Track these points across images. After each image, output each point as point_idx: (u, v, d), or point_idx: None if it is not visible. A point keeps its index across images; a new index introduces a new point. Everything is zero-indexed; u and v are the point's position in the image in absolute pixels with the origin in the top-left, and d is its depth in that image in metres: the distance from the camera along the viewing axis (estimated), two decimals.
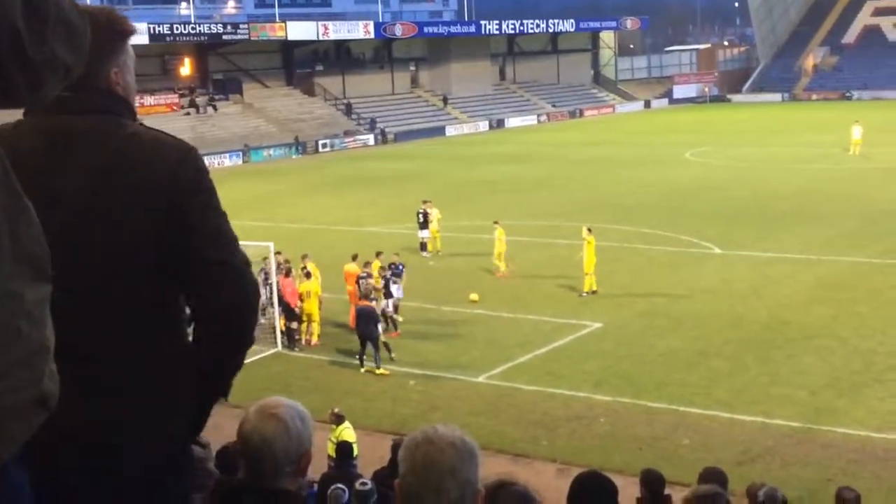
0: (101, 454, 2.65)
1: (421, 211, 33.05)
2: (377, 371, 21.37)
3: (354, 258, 25.66)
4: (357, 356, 21.88)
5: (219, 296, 2.83)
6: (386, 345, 22.39)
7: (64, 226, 2.61)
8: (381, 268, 25.12)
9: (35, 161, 2.68)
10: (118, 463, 2.67)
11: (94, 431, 2.64)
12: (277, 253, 25.20)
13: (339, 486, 9.88)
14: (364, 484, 9.73)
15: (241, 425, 2.77)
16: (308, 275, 24.40)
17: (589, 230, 27.10)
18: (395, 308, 24.87)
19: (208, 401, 2.94)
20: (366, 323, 21.66)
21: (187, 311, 2.92)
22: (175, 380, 2.80)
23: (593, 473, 5.63)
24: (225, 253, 2.86)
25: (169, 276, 2.79)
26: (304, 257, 25.38)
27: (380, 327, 21.98)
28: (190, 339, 2.92)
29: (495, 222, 30.23)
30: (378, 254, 25.77)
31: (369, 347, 21.63)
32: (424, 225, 32.87)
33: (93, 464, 2.65)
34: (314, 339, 24.10)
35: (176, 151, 2.83)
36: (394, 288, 24.95)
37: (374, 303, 23.05)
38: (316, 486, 10.80)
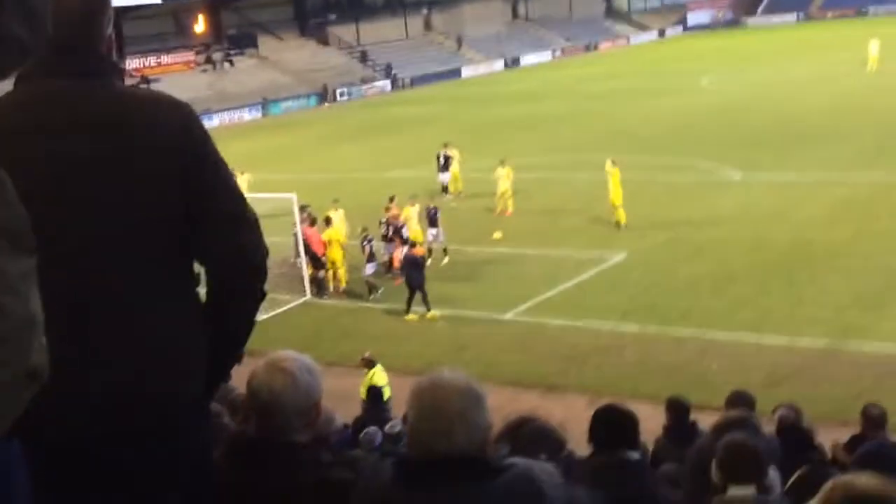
0: (117, 414, 2.62)
1: (441, 154, 32.89)
2: (428, 315, 21.19)
3: (391, 200, 25.62)
4: (406, 302, 21.61)
5: (236, 250, 2.81)
6: (374, 285, 23.02)
7: (68, 193, 2.59)
8: (419, 212, 25.36)
9: (30, 127, 2.63)
10: (133, 423, 2.63)
11: (110, 391, 2.61)
12: (304, 207, 25.26)
13: (372, 429, 9.93)
14: (394, 427, 9.77)
15: (250, 380, 2.74)
16: (327, 221, 24.36)
17: (613, 162, 26.90)
18: (432, 251, 24.99)
19: (224, 359, 2.92)
20: (411, 269, 21.51)
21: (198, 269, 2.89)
22: (190, 339, 2.77)
23: (611, 406, 5.60)
24: (241, 207, 2.85)
25: (182, 233, 2.75)
26: (334, 201, 25.43)
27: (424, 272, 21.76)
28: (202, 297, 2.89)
29: (502, 161, 30.09)
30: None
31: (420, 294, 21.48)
32: (445, 168, 32.73)
33: (108, 424, 2.62)
34: (342, 285, 24.15)
35: (175, 109, 2.80)
36: (433, 231, 25.07)
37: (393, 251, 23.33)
38: (349, 430, 10.87)
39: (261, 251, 2.87)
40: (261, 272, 2.89)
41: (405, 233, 24.09)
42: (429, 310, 21.31)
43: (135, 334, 2.66)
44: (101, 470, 2.63)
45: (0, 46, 1.64)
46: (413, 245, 22.49)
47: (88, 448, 2.61)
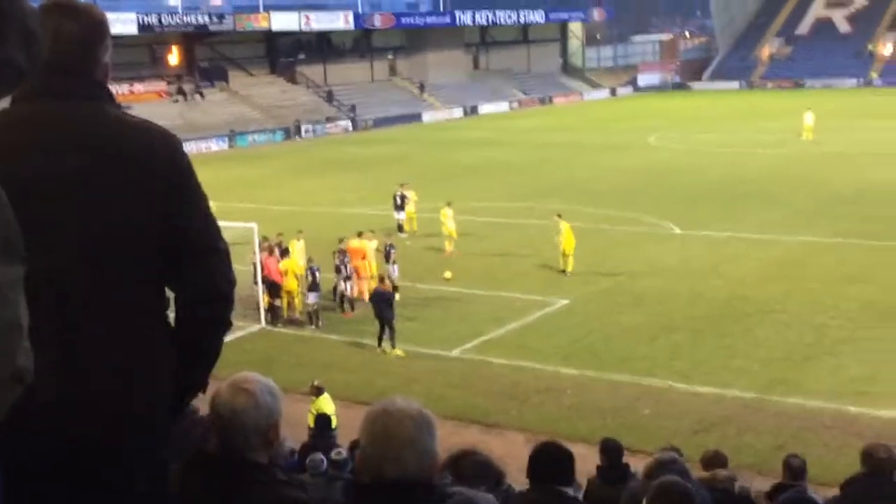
0: (78, 427, 2.61)
1: (398, 194, 32.98)
2: (395, 352, 20.94)
3: (360, 235, 25.61)
4: (377, 338, 21.31)
5: (209, 282, 2.84)
6: (316, 314, 23.07)
7: (55, 209, 2.60)
8: (377, 249, 25.47)
9: (23, 145, 2.65)
10: (94, 436, 2.63)
11: (73, 404, 2.60)
12: (279, 234, 25.59)
13: (318, 455, 9.89)
14: (339, 453, 9.74)
15: (213, 398, 2.76)
16: (285, 252, 24.33)
17: (559, 216, 27.21)
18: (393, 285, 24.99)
19: (189, 385, 2.92)
20: (382, 305, 21.20)
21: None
22: (160, 361, 2.77)
23: (550, 443, 5.65)
24: (215, 240, 2.88)
25: (158, 258, 2.77)
26: (298, 232, 25.48)
27: (395, 310, 21.45)
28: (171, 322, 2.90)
29: (448, 203, 30.28)
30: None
31: (387, 329, 21.26)
32: (401, 207, 32.81)
33: (70, 440, 2.62)
34: (296, 314, 24.08)
35: (165, 138, 2.82)
36: (392, 269, 25.07)
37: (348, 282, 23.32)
38: (296, 456, 10.81)
39: (229, 282, 2.90)
40: (228, 302, 2.92)
41: (349, 269, 24.14)
42: (393, 347, 21.10)
43: (103, 351, 2.66)
44: (60, 480, 2.62)
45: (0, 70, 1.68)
46: (382, 280, 22.36)
47: (51, 459, 2.60)
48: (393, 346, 21.05)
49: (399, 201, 32.83)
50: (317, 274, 23.51)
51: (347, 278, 24.32)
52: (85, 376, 2.62)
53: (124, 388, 2.68)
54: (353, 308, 24.27)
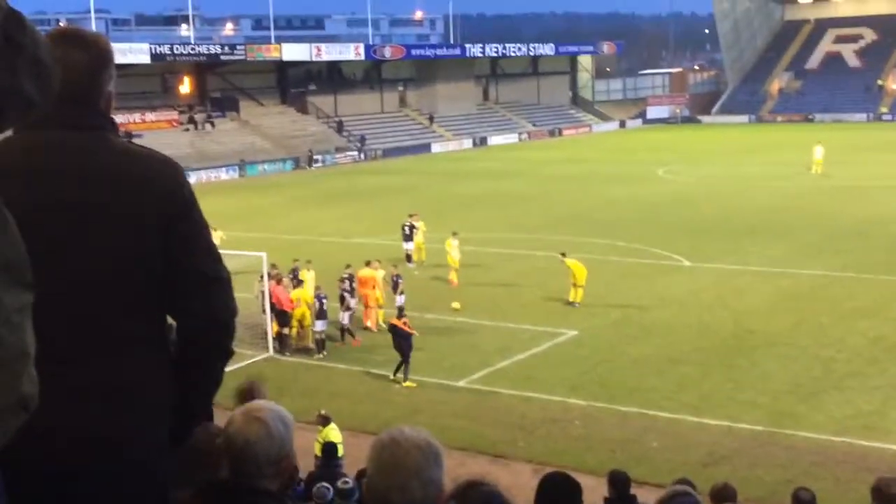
0: (78, 453, 2.62)
1: (407, 224, 33.03)
2: (405, 384, 20.86)
3: (368, 264, 25.66)
4: (395, 369, 21.24)
5: (211, 310, 2.84)
6: (322, 342, 23.09)
7: (58, 236, 2.60)
8: (384, 279, 25.42)
9: (27, 174, 2.66)
10: (93, 463, 2.63)
11: (74, 430, 2.61)
12: (295, 260, 25.57)
13: (324, 484, 9.85)
14: (346, 482, 9.70)
15: (227, 426, 2.76)
16: (299, 281, 24.36)
17: (563, 255, 27.23)
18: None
19: (191, 413, 2.92)
20: (401, 339, 21.12)
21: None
22: (159, 389, 2.78)
23: (558, 473, 5.62)
24: (217, 269, 2.88)
25: (159, 286, 2.78)
26: (307, 262, 25.42)
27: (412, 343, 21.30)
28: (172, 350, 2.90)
29: (454, 233, 30.35)
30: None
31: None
32: (409, 237, 32.85)
33: (71, 465, 2.62)
34: (306, 342, 24.07)
35: (168, 168, 2.83)
36: (399, 298, 25.06)
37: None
38: (302, 485, 10.76)
39: (230, 311, 2.90)
40: (229, 331, 2.91)
41: (352, 298, 24.28)
42: (406, 378, 21.01)
43: (102, 380, 2.66)
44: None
45: (10, 101, 1.68)
46: (400, 316, 22.18)
47: (50, 484, 2.60)
48: (405, 378, 20.99)
49: (408, 231, 32.87)
50: (324, 302, 23.53)
51: (348, 308, 24.23)
52: (83, 405, 2.63)
53: (121, 416, 2.68)
54: (353, 335, 24.22)
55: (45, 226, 2.58)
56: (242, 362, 22.07)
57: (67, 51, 2.69)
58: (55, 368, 2.51)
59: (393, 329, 21.69)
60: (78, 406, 2.62)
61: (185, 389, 2.83)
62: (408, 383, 20.90)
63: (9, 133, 2.66)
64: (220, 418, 3.15)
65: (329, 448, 13.76)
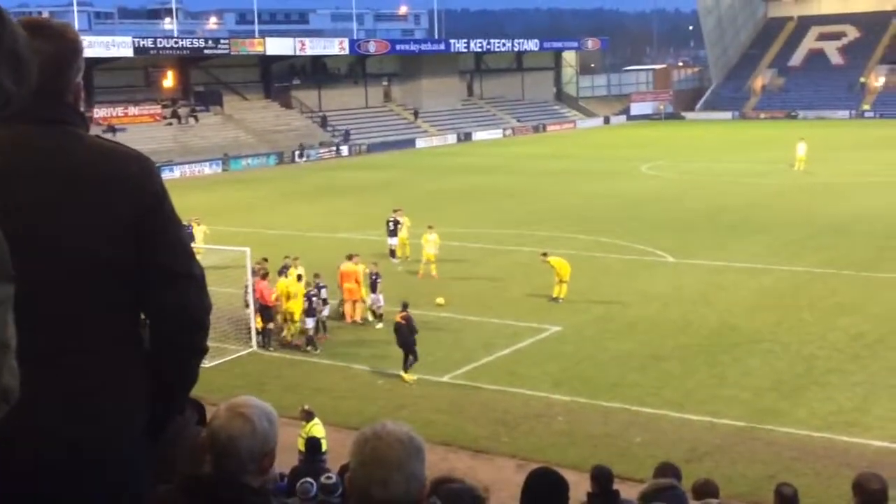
0: (58, 454, 2.61)
1: (391, 219, 33.00)
2: (405, 376, 20.68)
3: (350, 258, 25.61)
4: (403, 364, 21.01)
5: (184, 306, 2.82)
6: (313, 339, 23.00)
7: (28, 232, 2.54)
8: (366, 273, 25.24)
9: None
10: (72, 463, 2.63)
11: (52, 432, 2.60)
12: (286, 257, 25.47)
13: (308, 479, 9.84)
14: (329, 477, 9.70)
15: (210, 421, 2.76)
16: (299, 277, 24.20)
17: (545, 254, 27.29)
18: (377, 314, 25.10)
19: (164, 407, 2.90)
20: (403, 333, 20.94)
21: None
22: (133, 386, 2.76)
23: (545, 469, 5.64)
24: (189, 265, 2.86)
25: (131, 282, 2.75)
26: (294, 258, 25.30)
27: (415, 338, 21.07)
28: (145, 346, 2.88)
29: (430, 227, 30.41)
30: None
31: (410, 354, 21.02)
32: (394, 232, 32.83)
33: (47, 463, 2.61)
34: (291, 338, 23.98)
35: (139, 163, 2.79)
36: (374, 296, 25.00)
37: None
38: (286, 480, 10.76)
39: (203, 308, 2.88)
40: (202, 328, 2.89)
41: (324, 293, 24.04)
42: (405, 371, 20.80)
43: (75, 376, 2.65)
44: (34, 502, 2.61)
45: None
46: (405, 309, 21.77)
47: (22, 484, 2.59)
48: (405, 371, 20.84)
49: (392, 227, 32.85)
50: (313, 299, 23.47)
51: (311, 315, 23.65)
52: (55, 404, 2.61)
53: (95, 412, 2.67)
54: (324, 329, 24.16)
55: (13, 224, 2.56)
56: (226, 357, 22.07)
57: (34, 42, 2.66)
58: (26, 368, 2.50)
59: (404, 322, 21.08)
60: (50, 405, 2.60)
61: (159, 385, 2.82)
62: (408, 376, 20.71)
63: None
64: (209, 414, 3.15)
65: (312, 443, 13.75)
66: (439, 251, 30.19)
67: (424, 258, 30.09)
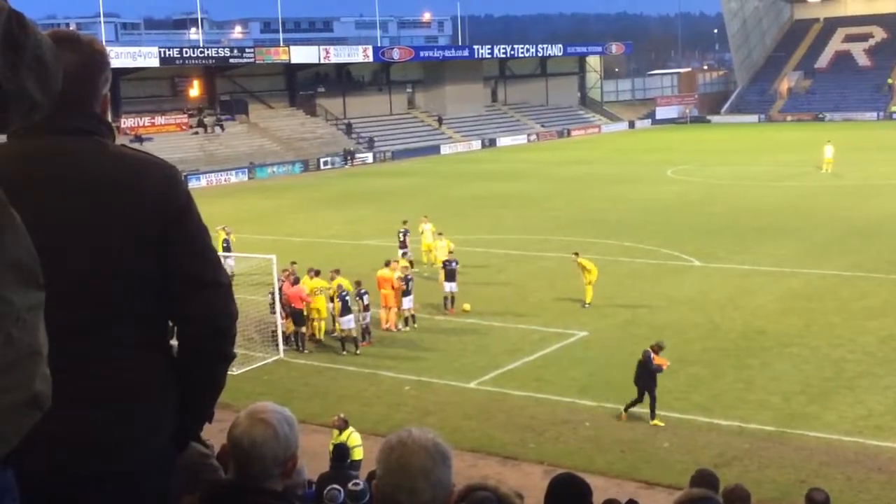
0: (83, 456, 2.62)
1: (401, 231, 32.69)
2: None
3: (387, 264, 25.70)
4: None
5: (211, 315, 2.82)
6: (355, 340, 23.30)
7: (56, 242, 2.56)
8: (399, 277, 25.27)
9: (24, 180, 2.62)
10: (98, 466, 2.64)
11: (78, 441, 2.61)
12: (293, 263, 25.65)
13: (335, 486, 9.86)
14: (357, 484, 9.71)
15: (232, 428, 2.77)
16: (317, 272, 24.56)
17: (576, 254, 27.21)
18: (412, 318, 25.31)
19: (193, 414, 2.91)
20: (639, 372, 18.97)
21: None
22: (160, 393, 2.77)
23: (568, 475, 5.62)
24: (216, 273, 2.86)
25: (159, 290, 2.77)
26: (335, 271, 25.27)
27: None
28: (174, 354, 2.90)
29: (425, 216, 30.54)
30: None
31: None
32: (404, 244, 32.40)
33: (76, 470, 2.62)
34: (319, 335, 24.16)
35: (164, 172, 2.80)
36: (406, 299, 25.15)
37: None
38: (314, 487, 10.78)
39: (230, 315, 2.88)
40: (228, 335, 2.89)
41: (366, 299, 24.07)
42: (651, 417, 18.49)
43: (103, 385, 2.66)
44: None
45: (13, 101, 1.67)
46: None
47: (57, 488, 2.60)
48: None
49: (402, 238, 32.43)
50: (347, 300, 23.53)
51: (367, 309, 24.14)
52: (84, 411, 2.62)
53: (123, 420, 2.67)
54: (369, 335, 24.25)
55: (41, 234, 2.58)
56: (253, 364, 22.15)
57: (62, 53, 2.68)
58: (55, 375, 2.52)
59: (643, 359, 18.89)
60: (79, 412, 2.61)
61: (186, 393, 2.83)
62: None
63: (2, 138, 2.64)
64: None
65: (341, 449, 13.76)
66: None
67: (424, 247, 30.30)
